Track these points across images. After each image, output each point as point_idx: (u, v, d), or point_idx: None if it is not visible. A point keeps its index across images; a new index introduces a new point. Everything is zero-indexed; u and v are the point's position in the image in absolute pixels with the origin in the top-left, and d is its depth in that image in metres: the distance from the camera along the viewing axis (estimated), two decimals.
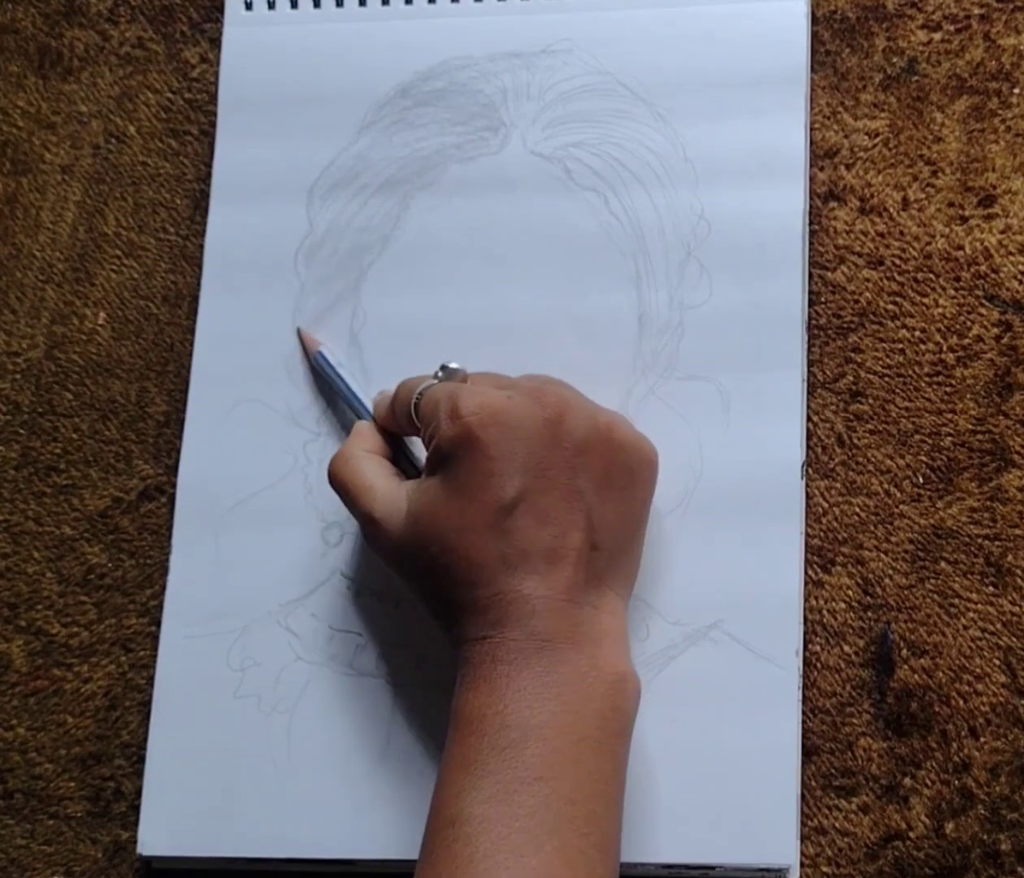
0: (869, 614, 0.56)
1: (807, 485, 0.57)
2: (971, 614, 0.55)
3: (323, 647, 0.57)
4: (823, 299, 0.59)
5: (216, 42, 0.66)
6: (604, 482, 0.50)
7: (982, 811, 0.54)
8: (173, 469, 0.61)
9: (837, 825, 0.54)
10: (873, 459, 0.57)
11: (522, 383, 0.52)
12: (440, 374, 0.54)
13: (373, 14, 0.64)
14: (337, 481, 0.54)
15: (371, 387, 0.60)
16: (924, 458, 0.57)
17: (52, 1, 0.68)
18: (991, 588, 0.55)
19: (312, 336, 0.60)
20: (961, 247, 0.59)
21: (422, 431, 0.53)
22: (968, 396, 0.57)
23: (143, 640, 0.60)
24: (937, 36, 0.61)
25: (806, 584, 0.56)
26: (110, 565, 0.61)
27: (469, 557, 0.49)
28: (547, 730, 0.47)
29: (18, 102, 0.67)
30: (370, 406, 0.58)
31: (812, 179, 0.60)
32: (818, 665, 0.56)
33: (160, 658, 0.58)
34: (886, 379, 0.58)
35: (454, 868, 0.45)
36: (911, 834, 0.54)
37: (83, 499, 0.62)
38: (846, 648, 0.56)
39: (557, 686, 0.48)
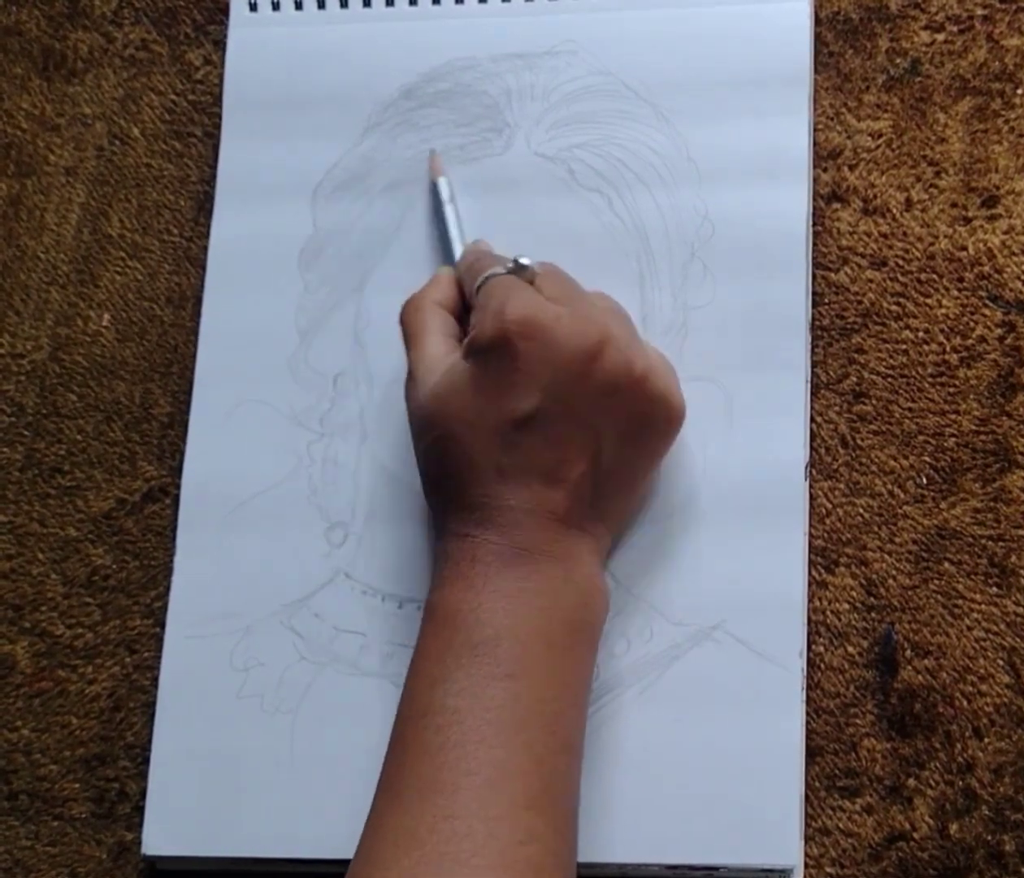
0: (873, 615, 0.56)
1: (810, 486, 0.57)
2: (975, 615, 0.55)
3: (327, 647, 0.57)
4: (826, 300, 0.59)
5: (220, 44, 0.66)
6: (622, 427, 0.51)
7: (986, 812, 0.53)
8: (177, 470, 0.61)
9: (841, 826, 0.54)
10: (876, 460, 0.57)
11: (579, 304, 0.52)
12: (511, 265, 0.53)
13: (377, 15, 0.64)
14: (401, 324, 0.56)
15: (373, 390, 0.60)
16: (927, 459, 0.57)
17: (56, 3, 0.68)
18: (995, 589, 0.55)
19: (440, 164, 0.61)
20: (964, 248, 0.59)
21: (472, 313, 0.53)
22: (971, 397, 0.57)
23: (147, 641, 0.60)
24: (940, 37, 0.61)
25: (810, 585, 0.56)
26: (114, 566, 0.61)
27: (470, 454, 0.50)
28: (519, 632, 0.49)
29: (22, 104, 0.67)
30: (458, 255, 0.58)
31: (815, 180, 0.60)
32: (822, 666, 0.56)
33: (164, 659, 0.58)
34: (889, 380, 0.58)
35: (423, 755, 0.47)
36: (915, 835, 0.54)
37: (87, 501, 0.62)
38: (849, 649, 0.56)
39: (531, 593, 0.49)
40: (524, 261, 0.53)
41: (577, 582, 0.51)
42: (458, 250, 0.59)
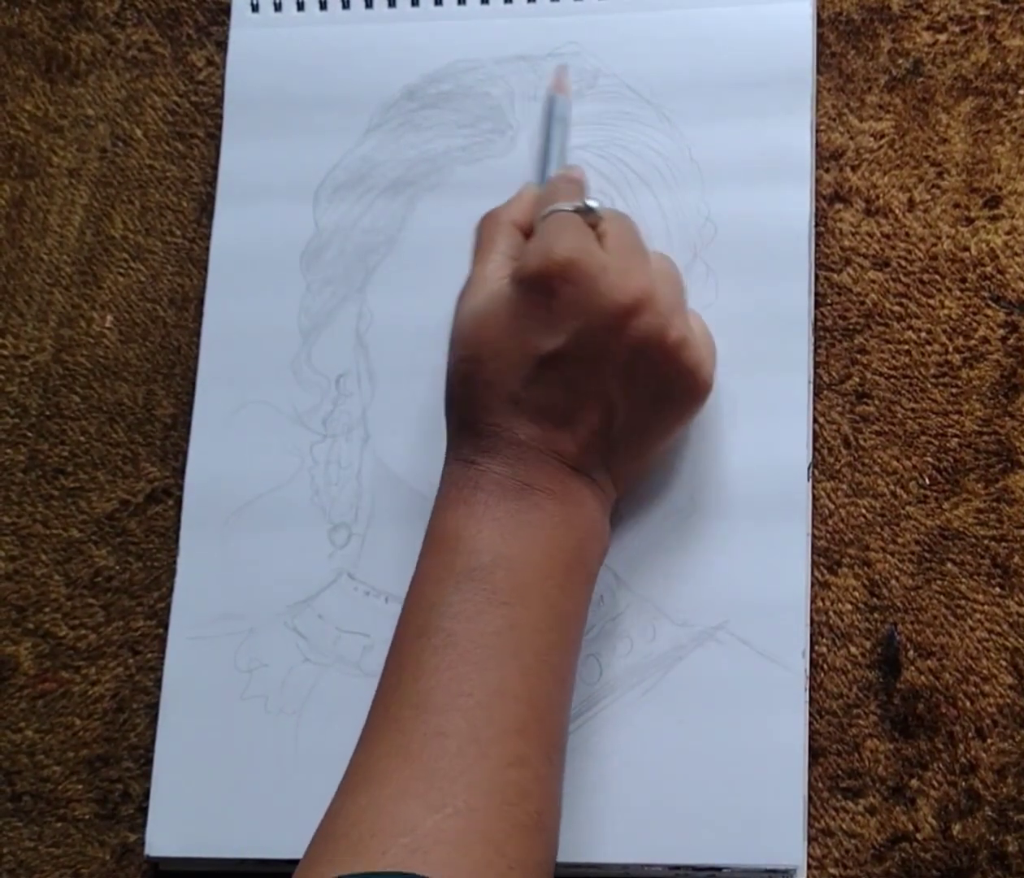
0: (875, 615, 0.56)
1: (813, 486, 0.57)
2: (978, 615, 0.55)
3: (330, 648, 0.57)
4: (829, 301, 0.59)
5: (222, 45, 0.66)
6: (645, 389, 0.51)
7: (989, 812, 0.53)
8: (180, 471, 0.61)
9: (844, 826, 0.54)
10: (879, 460, 0.57)
11: (632, 259, 0.52)
12: (579, 205, 0.53)
13: (380, 17, 0.64)
14: (476, 231, 0.56)
15: (376, 391, 0.60)
16: (930, 459, 0.57)
17: (59, 5, 0.68)
18: (998, 589, 0.55)
19: (565, 83, 0.61)
20: (967, 248, 0.59)
21: (530, 241, 0.53)
22: (974, 397, 0.57)
23: (151, 642, 0.60)
24: (942, 37, 0.61)
25: (812, 585, 0.56)
26: (117, 567, 0.61)
27: (489, 380, 0.51)
28: (516, 562, 0.49)
29: (25, 106, 0.67)
30: (551, 173, 0.58)
31: (818, 181, 0.60)
32: (824, 666, 0.56)
33: (167, 660, 0.58)
34: (892, 380, 0.58)
35: (419, 674, 0.47)
36: (918, 836, 0.54)
37: (90, 502, 0.62)
38: (852, 649, 0.56)
39: (529, 527, 0.50)
40: (592, 204, 0.53)
41: (576, 524, 0.51)
42: (552, 170, 0.58)
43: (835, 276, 0.59)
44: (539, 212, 0.54)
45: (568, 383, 0.50)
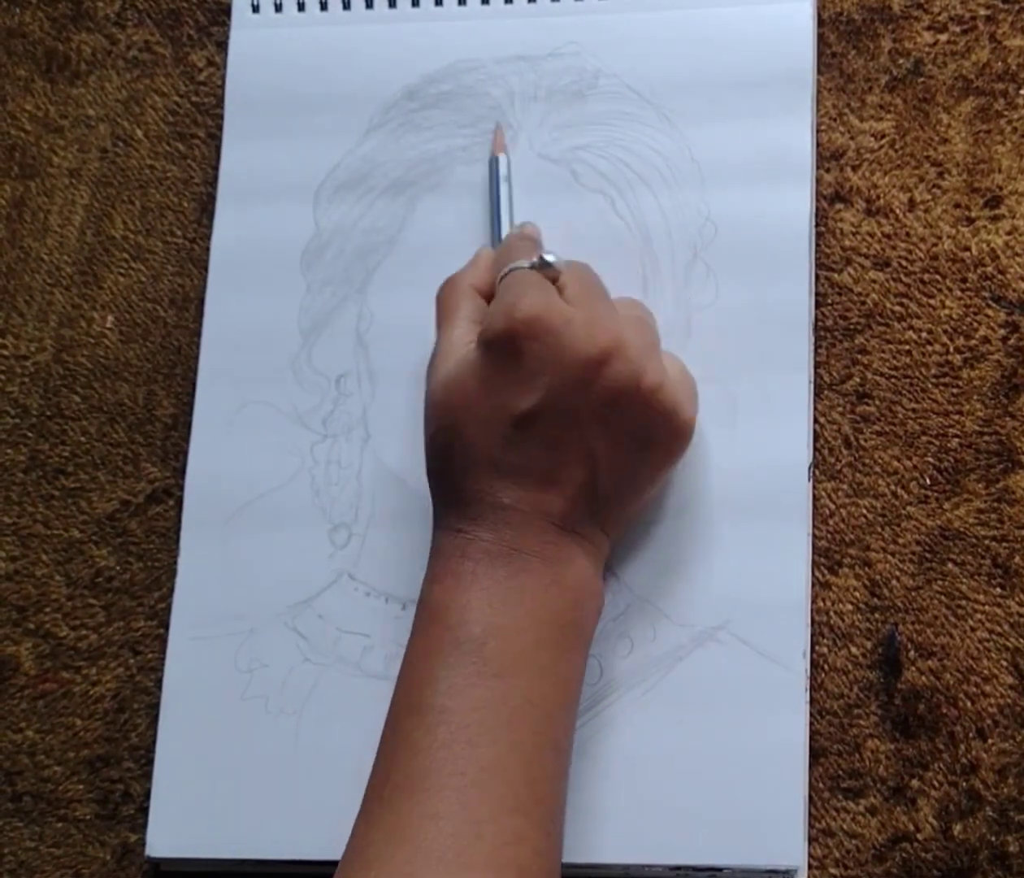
0: (876, 616, 0.56)
1: (814, 486, 0.57)
2: (978, 615, 0.55)
3: (330, 649, 0.57)
4: (829, 301, 0.59)
5: (223, 45, 0.66)
6: (625, 437, 0.51)
7: (990, 813, 0.53)
8: (181, 471, 0.61)
9: (845, 827, 0.54)
10: (880, 460, 0.57)
11: (596, 309, 0.51)
12: (535, 261, 0.53)
13: (380, 17, 0.64)
14: (436, 303, 0.56)
15: (376, 391, 0.60)
16: (931, 459, 0.57)
17: (59, 5, 0.68)
18: (998, 589, 0.55)
19: (503, 141, 0.61)
20: (968, 248, 0.59)
21: (492, 303, 0.53)
22: (975, 397, 0.57)
23: (151, 643, 0.60)
24: (943, 37, 0.61)
25: (813, 585, 0.56)
26: (118, 568, 0.61)
27: (467, 447, 0.50)
28: (507, 631, 0.49)
29: (26, 106, 0.67)
30: (499, 235, 0.59)
31: (818, 181, 0.60)
32: (825, 667, 0.56)
33: (168, 660, 0.58)
34: (893, 380, 0.58)
35: (413, 753, 0.47)
36: (919, 836, 0.54)
37: (91, 502, 0.62)
38: (853, 649, 0.56)
39: (519, 592, 0.49)
40: (549, 258, 0.53)
41: (568, 585, 0.50)
42: (504, 230, 0.59)
43: (836, 276, 0.59)
44: (497, 273, 0.54)
45: (546, 441, 0.50)
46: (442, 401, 0.52)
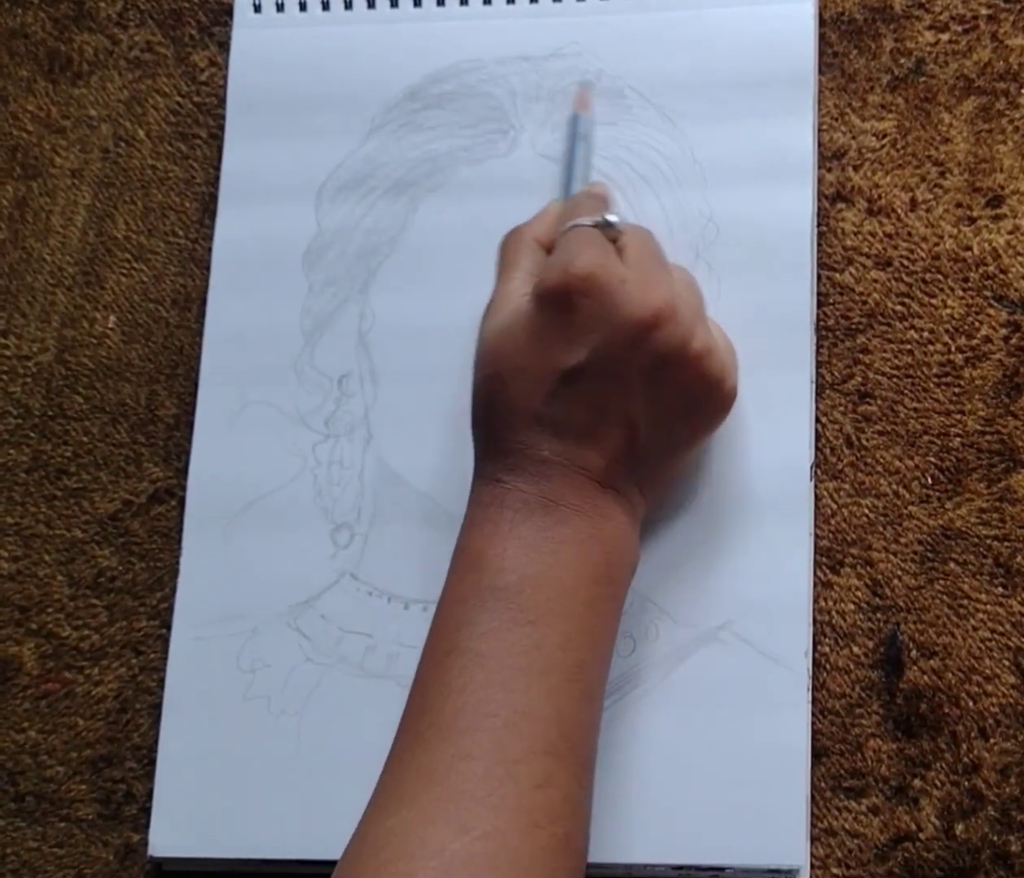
0: (878, 615, 0.56)
1: (816, 486, 0.57)
2: (980, 615, 0.55)
3: (333, 649, 0.58)
4: (831, 300, 0.59)
5: (225, 45, 0.66)
6: (668, 401, 0.51)
7: (992, 812, 0.54)
8: (183, 472, 0.61)
9: (847, 826, 0.54)
10: (882, 460, 0.57)
11: (652, 273, 0.52)
12: (598, 219, 0.53)
13: (382, 17, 0.64)
14: (499, 250, 0.56)
15: (378, 391, 0.60)
16: (933, 459, 0.57)
17: (61, 6, 0.68)
18: (1000, 589, 0.55)
19: (587, 100, 0.61)
20: (969, 248, 0.59)
21: (550, 257, 0.53)
22: (977, 397, 0.57)
23: (153, 643, 0.60)
24: (944, 37, 0.61)
25: (815, 585, 0.56)
26: (120, 568, 0.61)
27: (512, 397, 0.51)
28: (542, 580, 0.49)
29: (28, 106, 0.67)
30: (571, 192, 0.59)
31: (820, 181, 0.60)
32: (827, 666, 0.56)
33: (170, 660, 0.58)
34: (894, 380, 0.58)
35: (446, 695, 0.47)
36: (921, 835, 0.54)
37: (93, 502, 0.62)
38: (855, 649, 0.56)
39: (555, 543, 0.50)
40: (612, 218, 0.53)
41: (604, 538, 0.51)
42: (575, 187, 0.59)
43: (837, 276, 0.59)
44: (560, 228, 0.54)
45: (591, 398, 0.50)
46: (491, 349, 0.52)
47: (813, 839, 0.54)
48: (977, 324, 0.58)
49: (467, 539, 0.51)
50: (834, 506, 0.57)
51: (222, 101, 0.65)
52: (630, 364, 0.50)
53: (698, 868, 0.53)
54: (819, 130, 0.61)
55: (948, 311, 0.58)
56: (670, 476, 0.55)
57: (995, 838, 0.53)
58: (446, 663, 0.48)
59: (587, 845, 0.48)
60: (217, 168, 0.64)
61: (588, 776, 0.49)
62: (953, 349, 0.58)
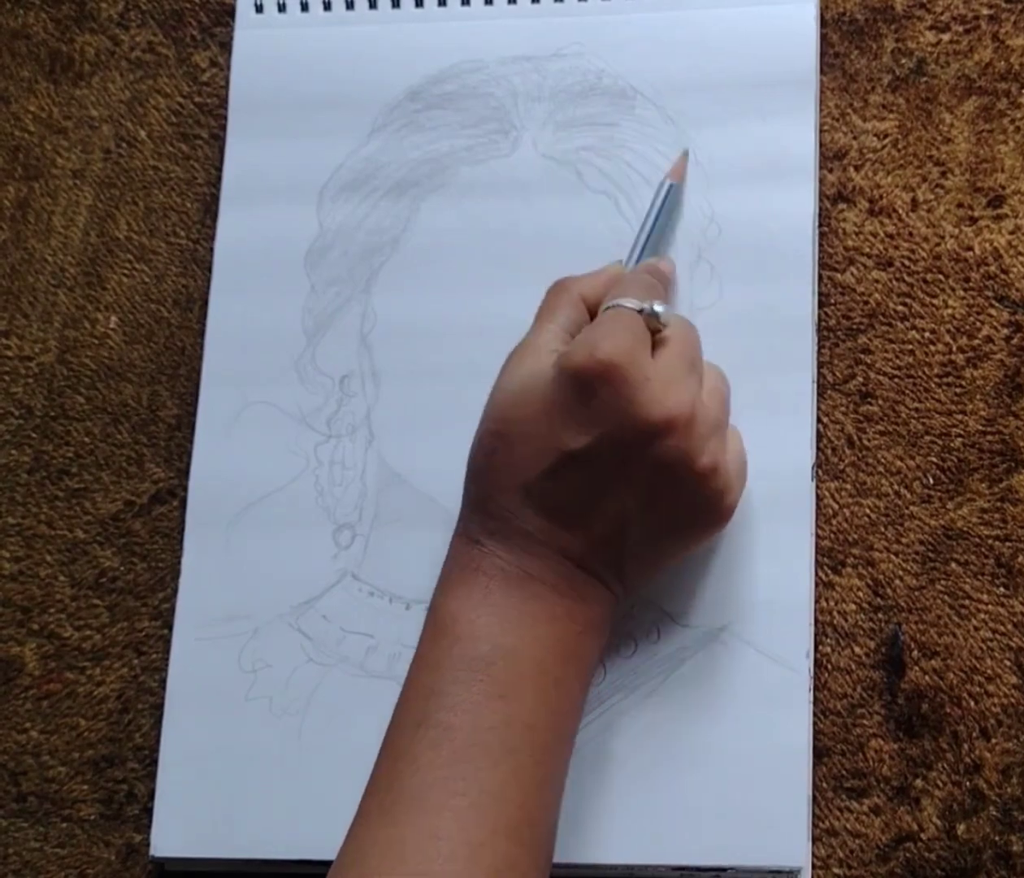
0: (880, 615, 0.56)
1: (817, 486, 0.57)
2: (982, 615, 0.55)
3: (334, 649, 0.58)
4: (832, 301, 0.59)
5: (226, 46, 0.66)
6: (664, 508, 0.51)
7: (994, 812, 0.54)
8: (185, 472, 0.61)
9: (848, 827, 0.54)
10: (883, 460, 0.57)
11: (680, 376, 0.51)
12: (645, 307, 0.51)
13: (384, 17, 0.64)
14: (546, 294, 0.55)
15: (380, 391, 0.60)
16: (934, 459, 0.57)
17: (63, 6, 0.68)
18: (1002, 589, 0.55)
19: (681, 170, 0.59)
20: (970, 248, 0.59)
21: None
22: (978, 397, 0.57)
23: (155, 643, 0.60)
24: (946, 37, 0.61)
25: (816, 586, 0.56)
26: (122, 568, 0.61)
27: (510, 462, 0.50)
28: (515, 653, 0.49)
29: (29, 107, 0.67)
30: (636, 260, 0.57)
31: (821, 181, 0.60)
32: (829, 667, 0.56)
33: (172, 661, 0.58)
34: (896, 380, 0.58)
35: (415, 768, 0.47)
36: (922, 836, 0.54)
37: (95, 503, 0.62)
38: (857, 649, 0.56)
39: (529, 617, 0.49)
40: (658, 309, 0.51)
41: (577, 618, 0.50)
42: (643, 256, 0.57)
43: (839, 276, 0.59)
44: (607, 299, 0.53)
45: (585, 485, 0.50)
46: (503, 406, 0.51)
47: (814, 839, 0.54)
48: (978, 324, 0.58)
49: (441, 599, 0.51)
50: (836, 506, 0.57)
51: (224, 101, 0.65)
52: (633, 463, 0.49)
53: (699, 869, 0.53)
54: (820, 130, 0.61)
55: (949, 311, 0.58)
56: (655, 573, 0.54)
57: (997, 838, 0.53)
58: (416, 734, 0.48)
59: None
60: (219, 168, 0.64)
61: (546, 859, 0.49)
62: (954, 349, 0.58)
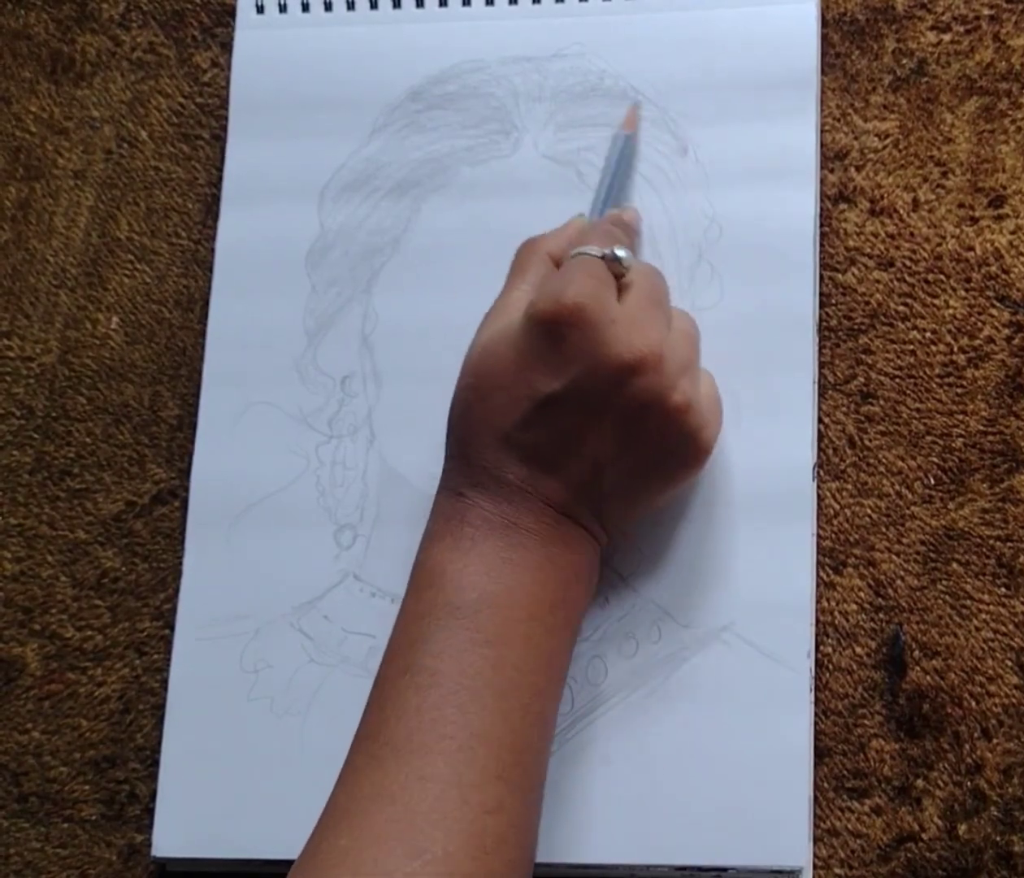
0: (881, 615, 0.56)
1: (818, 487, 0.57)
2: (983, 615, 0.55)
3: (336, 649, 0.58)
4: (834, 301, 0.59)
5: (227, 46, 0.66)
6: (641, 447, 0.51)
7: (995, 813, 0.54)
8: (186, 473, 0.61)
9: (850, 827, 0.54)
10: (884, 460, 0.57)
11: (647, 315, 0.51)
12: (606, 252, 0.52)
13: (385, 17, 0.64)
14: (514, 257, 0.56)
15: (381, 391, 0.60)
16: (935, 459, 0.57)
17: (64, 7, 0.68)
18: (1003, 589, 0.55)
19: (634, 120, 0.60)
20: (972, 248, 0.59)
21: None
22: (979, 397, 0.57)
23: (157, 643, 0.60)
24: (946, 37, 0.61)
25: (817, 586, 0.56)
26: (124, 569, 0.61)
27: (486, 414, 0.51)
28: (501, 600, 0.49)
29: (31, 107, 0.67)
30: (598, 212, 0.58)
31: (822, 181, 0.60)
32: (830, 667, 0.56)
33: (174, 661, 0.58)
34: (897, 380, 0.58)
35: (402, 714, 0.47)
36: (924, 836, 0.54)
37: (96, 503, 0.62)
38: (858, 650, 0.56)
39: (514, 564, 0.50)
40: (620, 253, 0.52)
41: (562, 565, 0.51)
42: (605, 208, 0.58)
43: (840, 276, 0.59)
44: (571, 250, 0.53)
45: (561, 430, 0.50)
46: (477, 361, 0.52)
47: (816, 839, 0.54)
48: (980, 324, 0.58)
49: (427, 552, 0.51)
50: (837, 506, 0.57)
51: (225, 102, 0.65)
52: (606, 404, 0.50)
53: (700, 869, 0.53)
54: (821, 130, 0.61)
55: (950, 311, 0.58)
56: (633, 518, 0.54)
57: (998, 838, 0.53)
58: (402, 682, 0.48)
59: (531, 872, 0.48)
60: (220, 169, 0.64)
61: (536, 799, 0.49)
62: (956, 349, 0.58)
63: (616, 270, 0.52)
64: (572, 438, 0.50)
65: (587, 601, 0.53)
